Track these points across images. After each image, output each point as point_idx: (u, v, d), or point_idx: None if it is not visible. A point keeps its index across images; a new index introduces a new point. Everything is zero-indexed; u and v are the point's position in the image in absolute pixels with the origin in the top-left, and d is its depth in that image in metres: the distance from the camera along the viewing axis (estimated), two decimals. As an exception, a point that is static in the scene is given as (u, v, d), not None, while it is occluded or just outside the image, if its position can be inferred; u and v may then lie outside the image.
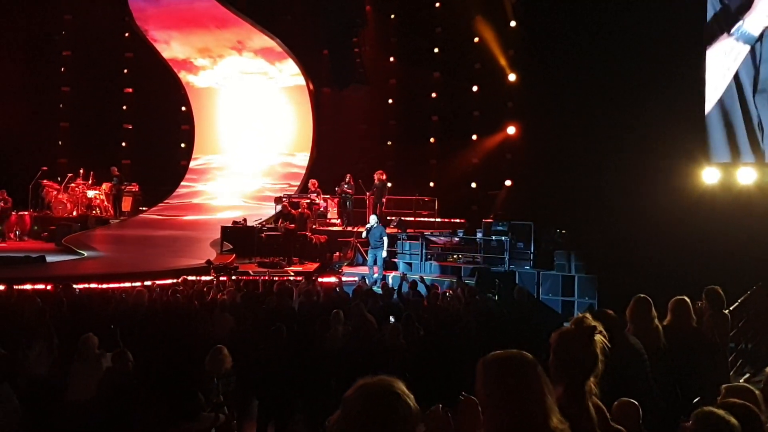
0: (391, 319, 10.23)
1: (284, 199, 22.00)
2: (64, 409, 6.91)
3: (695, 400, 5.03)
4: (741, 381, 7.77)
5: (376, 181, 21.32)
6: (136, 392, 6.66)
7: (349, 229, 21.26)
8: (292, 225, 19.68)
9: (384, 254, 17.53)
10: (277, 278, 15.67)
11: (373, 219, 18.06)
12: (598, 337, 3.10)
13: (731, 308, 8.11)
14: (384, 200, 21.51)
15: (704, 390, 5.23)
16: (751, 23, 15.98)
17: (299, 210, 20.33)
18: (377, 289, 14.46)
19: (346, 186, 22.08)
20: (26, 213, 23.20)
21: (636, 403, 4.56)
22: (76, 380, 7.15)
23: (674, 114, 16.26)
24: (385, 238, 17.65)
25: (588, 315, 3.18)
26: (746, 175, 15.82)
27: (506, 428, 2.48)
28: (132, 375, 6.95)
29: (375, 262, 17.60)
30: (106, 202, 24.84)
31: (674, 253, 13.83)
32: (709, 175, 16.28)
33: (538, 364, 2.60)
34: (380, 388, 2.23)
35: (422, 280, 14.20)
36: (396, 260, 19.01)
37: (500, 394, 2.51)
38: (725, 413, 3.47)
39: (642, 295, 5.81)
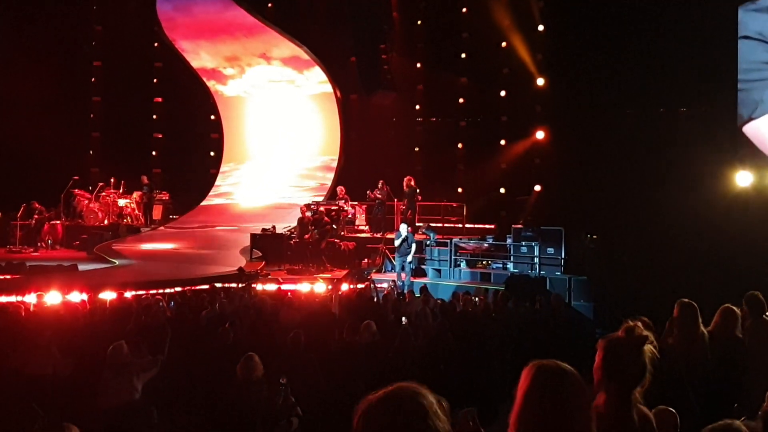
0: (403, 320, 10.20)
1: (312, 206, 22.02)
2: (97, 415, 6.95)
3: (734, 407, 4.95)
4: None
5: (405, 187, 21.25)
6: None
7: (378, 235, 21.23)
8: (327, 227, 19.69)
9: (410, 259, 17.51)
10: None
11: (403, 228, 18.00)
12: (647, 347, 3.04)
13: (765, 314, 7.97)
14: (414, 202, 21.37)
15: (747, 399, 5.15)
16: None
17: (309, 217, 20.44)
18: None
19: (378, 192, 21.99)
20: (58, 222, 23.48)
21: (674, 411, 4.49)
22: (107, 388, 7.20)
23: (707, 116, 16.08)
24: (414, 245, 17.62)
25: (639, 324, 3.12)
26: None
27: None
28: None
29: (403, 269, 17.56)
30: (137, 211, 25.02)
31: (707, 257, 13.63)
32: (742, 178, 16.02)
33: (580, 377, 2.56)
34: (404, 391, 2.16)
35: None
36: (425, 266, 18.98)
37: (545, 407, 2.46)
38: (742, 426, 3.41)
39: (686, 300, 5.72)
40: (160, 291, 13.74)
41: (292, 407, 7.15)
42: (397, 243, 17.61)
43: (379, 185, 22.04)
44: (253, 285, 15.18)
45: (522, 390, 2.53)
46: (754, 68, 15.56)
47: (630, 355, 3.00)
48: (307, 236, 19.75)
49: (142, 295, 13.01)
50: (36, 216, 22.42)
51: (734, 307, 6.20)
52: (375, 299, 13.30)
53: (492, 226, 21.76)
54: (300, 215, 20.88)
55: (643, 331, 3.06)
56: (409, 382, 2.21)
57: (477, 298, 12.74)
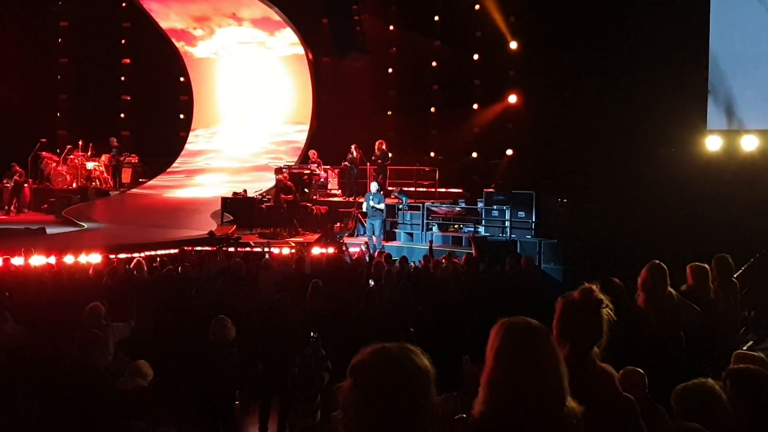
0: (371, 282, 10.27)
1: (284, 170, 21.90)
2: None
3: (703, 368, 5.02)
4: (744, 348, 7.77)
5: (376, 151, 21.23)
6: None
7: (350, 199, 21.21)
8: (290, 196, 19.60)
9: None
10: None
11: (374, 186, 17.99)
12: (604, 311, 3.07)
13: (735, 276, 8.08)
14: (385, 166, 21.35)
15: (717, 358, 5.22)
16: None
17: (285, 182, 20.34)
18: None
19: (351, 156, 21.95)
20: (26, 185, 23.14)
21: (641, 371, 4.54)
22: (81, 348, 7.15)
23: (678, 80, 16.13)
24: (382, 205, 17.64)
25: (595, 287, 3.14)
26: (750, 143, 15.67)
27: (516, 405, 2.42)
28: None
29: (374, 232, 17.57)
30: (105, 174, 24.77)
31: (677, 220, 13.79)
32: (713, 143, 16.14)
33: (549, 333, 2.56)
34: (401, 350, 2.15)
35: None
36: (397, 230, 19.00)
37: (515, 365, 2.45)
38: (715, 384, 3.47)
39: (657, 262, 5.75)
40: (129, 255, 13.57)
41: (322, 360, 7.18)
42: (382, 206, 17.61)
43: (351, 149, 21.98)
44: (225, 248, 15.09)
45: (492, 349, 2.51)
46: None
47: (585, 317, 3.03)
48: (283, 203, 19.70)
49: (111, 259, 12.88)
50: (16, 178, 22.11)
51: (704, 265, 6.29)
52: (348, 261, 13.34)
53: (463, 191, 21.79)
54: (276, 179, 20.77)
55: (599, 295, 3.09)
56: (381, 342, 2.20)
57: (444, 261, 12.77)
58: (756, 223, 12.86)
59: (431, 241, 16.72)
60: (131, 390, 5.94)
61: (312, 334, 7.21)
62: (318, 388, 7.17)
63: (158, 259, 12.89)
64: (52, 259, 12.24)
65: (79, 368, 6.28)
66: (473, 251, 14.25)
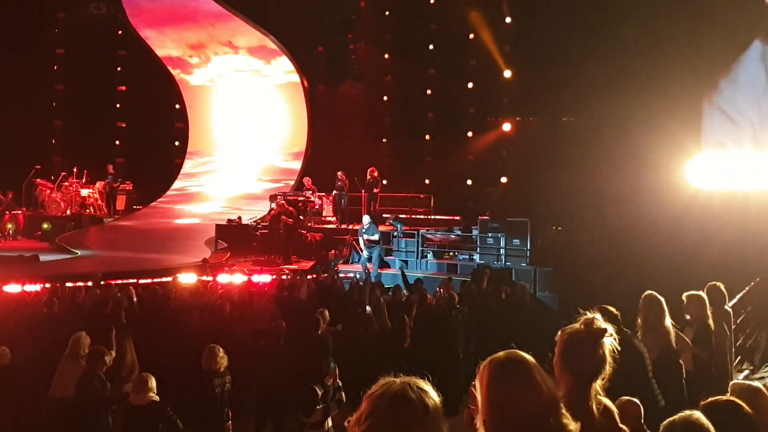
0: (368, 308, 10.23)
1: (279, 198, 21.85)
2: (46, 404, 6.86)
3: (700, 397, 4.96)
4: (741, 377, 7.73)
5: (368, 177, 21.21)
6: None
7: (344, 226, 21.17)
8: (290, 219, 19.53)
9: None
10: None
11: (366, 219, 17.96)
12: (607, 340, 3.00)
13: (731, 304, 8.05)
14: (376, 193, 21.29)
15: (713, 388, 5.18)
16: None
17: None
18: None
19: (339, 183, 21.95)
20: (20, 212, 23.08)
21: (638, 402, 4.51)
22: (62, 377, 7.10)
23: (671, 109, 16.21)
24: (376, 236, 17.61)
25: (598, 316, 3.08)
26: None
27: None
28: None
29: (370, 260, 17.52)
30: (99, 201, 24.71)
31: (671, 249, 13.77)
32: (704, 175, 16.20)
33: (538, 365, 2.52)
34: (408, 386, 2.13)
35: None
36: (392, 257, 18.94)
37: (507, 398, 2.42)
38: (702, 417, 3.42)
39: (651, 293, 5.73)
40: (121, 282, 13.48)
41: (336, 390, 7.12)
42: (376, 237, 17.55)
43: (339, 175, 21.98)
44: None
45: (485, 389, 2.48)
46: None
47: (588, 348, 2.96)
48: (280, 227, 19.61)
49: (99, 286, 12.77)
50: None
51: (700, 293, 6.28)
52: (341, 286, 13.31)
53: (458, 218, 21.78)
54: (276, 203, 20.78)
55: (601, 324, 3.02)
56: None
57: (440, 290, 12.71)
58: (750, 251, 12.85)
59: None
60: (146, 405, 5.90)
61: (332, 364, 7.18)
62: (322, 416, 7.08)
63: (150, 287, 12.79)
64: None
65: (90, 383, 6.24)
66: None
